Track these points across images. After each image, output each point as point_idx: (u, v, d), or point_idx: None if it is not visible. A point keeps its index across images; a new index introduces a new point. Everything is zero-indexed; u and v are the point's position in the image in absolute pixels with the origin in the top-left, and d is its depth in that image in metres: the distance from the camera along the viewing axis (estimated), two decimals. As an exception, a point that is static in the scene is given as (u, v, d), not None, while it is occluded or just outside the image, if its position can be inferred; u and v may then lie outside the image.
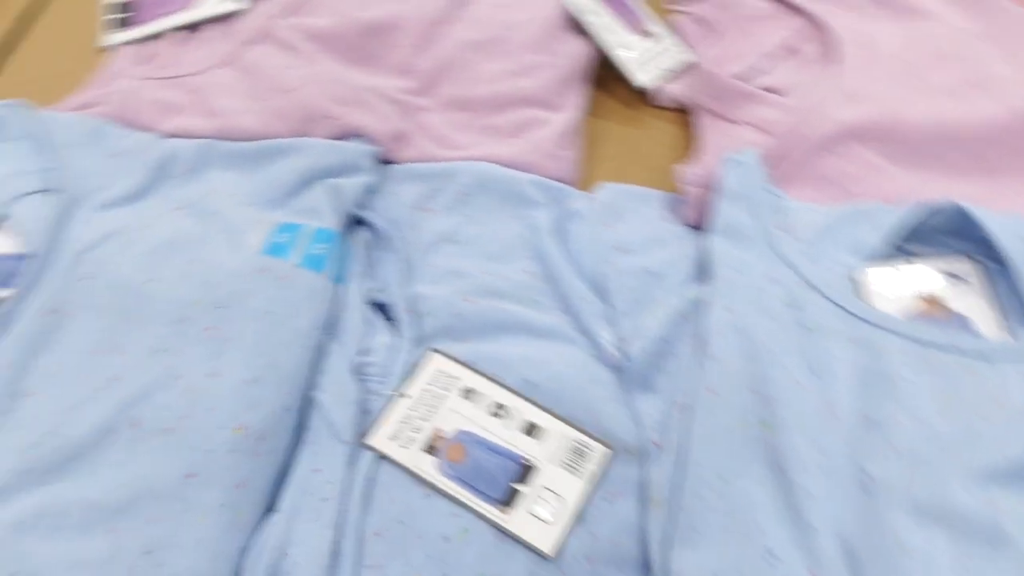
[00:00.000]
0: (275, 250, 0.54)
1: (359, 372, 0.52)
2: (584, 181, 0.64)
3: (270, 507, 0.48)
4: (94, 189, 0.59)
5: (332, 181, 0.58)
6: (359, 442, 0.49)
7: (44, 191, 0.58)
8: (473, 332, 0.54)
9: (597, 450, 0.49)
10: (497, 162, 0.61)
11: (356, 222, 0.59)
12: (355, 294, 0.55)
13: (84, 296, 0.52)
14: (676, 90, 0.68)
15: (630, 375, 0.51)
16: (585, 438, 0.49)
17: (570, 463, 0.48)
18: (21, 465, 0.46)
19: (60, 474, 0.46)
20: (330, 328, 0.54)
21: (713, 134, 0.63)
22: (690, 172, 0.59)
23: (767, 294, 0.51)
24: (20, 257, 0.55)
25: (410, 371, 0.52)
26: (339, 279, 0.55)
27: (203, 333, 0.51)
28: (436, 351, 0.53)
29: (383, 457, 0.48)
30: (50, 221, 0.55)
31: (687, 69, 0.69)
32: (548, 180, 0.60)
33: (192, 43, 0.68)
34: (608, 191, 0.60)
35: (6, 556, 0.44)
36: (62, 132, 0.61)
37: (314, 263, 0.54)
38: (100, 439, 0.47)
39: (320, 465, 0.48)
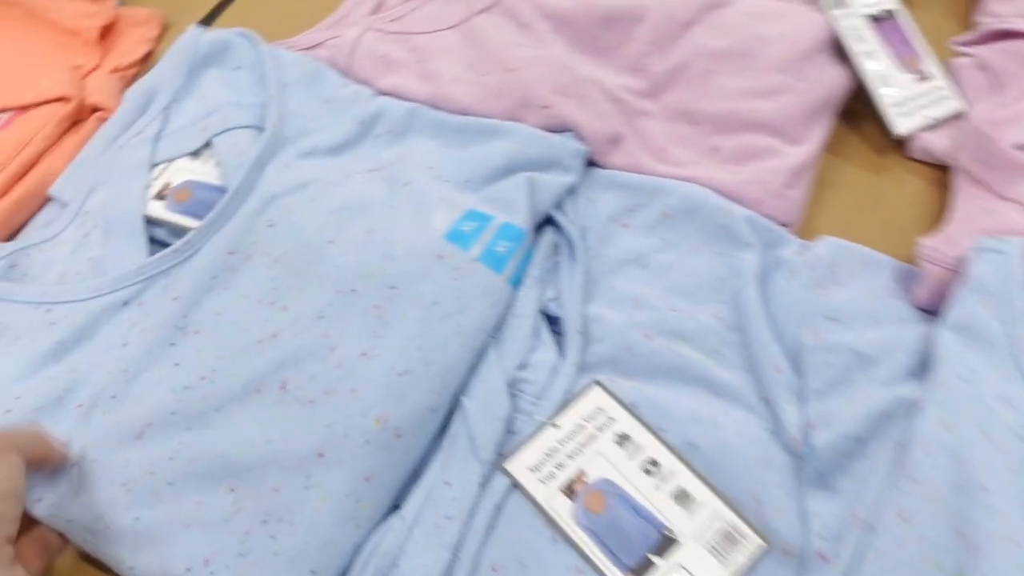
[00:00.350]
0: (458, 237, 0.51)
1: (513, 387, 0.48)
2: (804, 227, 0.57)
3: (394, 506, 0.45)
4: (300, 134, 0.58)
5: (533, 175, 0.54)
6: (497, 464, 0.45)
7: (253, 127, 0.58)
8: (642, 371, 0.49)
9: (751, 541, 0.43)
10: (713, 188, 0.55)
11: (544, 222, 0.55)
12: (529, 300, 0.51)
13: (264, 243, 0.52)
14: (936, 142, 0.59)
15: (809, 467, 0.45)
16: (741, 524, 0.44)
17: (717, 547, 0.43)
18: (172, 406, 0.46)
19: (203, 422, 0.46)
20: (494, 332, 0.50)
21: (971, 206, 0.54)
22: (933, 245, 0.51)
23: (998, 418, 0.43)
24: (220, 189, 0.55)
25: (567, 399, 0.48)
26: (516, 282, 0.52)
27: (369, 309, 0.49)
28: (599, 384, 0.48)
29: (517, 487, 0.45)
30: (251, 160, 0.54)
31: (956, 121, 0.60)
32: (765, 219, 0.54)
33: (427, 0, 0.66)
34: (829, 246, 0.53)
35: (132, 500, 0.44)
36: (285, 70, 0.60)
37: (494, 261, 0.51)
38: (248, 395, 0.47)
39: (452, 478, 0.45)
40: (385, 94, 0.60)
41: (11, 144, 0.56)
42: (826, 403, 0.47)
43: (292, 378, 0.47)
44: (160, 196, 0.55)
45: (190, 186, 0.55)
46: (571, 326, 0.51)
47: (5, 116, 0.59)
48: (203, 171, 0.56)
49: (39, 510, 0.44)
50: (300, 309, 0.49)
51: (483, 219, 0.52)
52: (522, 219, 0.53)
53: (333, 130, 0.58)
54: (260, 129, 0.58)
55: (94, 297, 0.50)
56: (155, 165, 0.57)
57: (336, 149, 0.57)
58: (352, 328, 0.48)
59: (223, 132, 0.57)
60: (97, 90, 0.60)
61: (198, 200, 0.55)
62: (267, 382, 0.47)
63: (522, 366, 0.49)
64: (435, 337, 0.48)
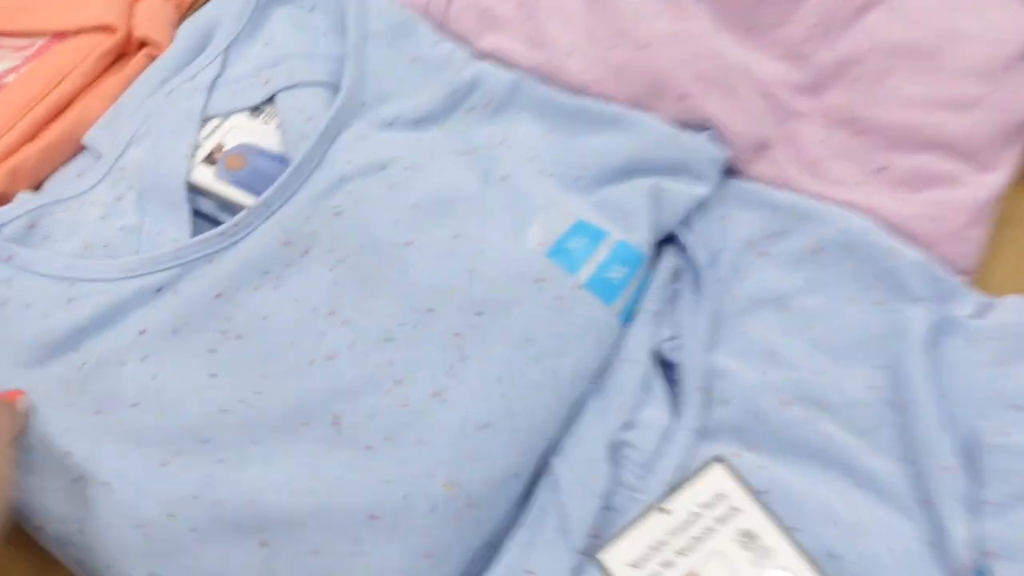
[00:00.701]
0: (562, 256, 0.42)
1: (616, 450, 0.39)
2: (981, 276, 0.46)
3: (458, 589, 0.37)
4: (380, 98, 0.48)
5: (659, 182, 0.44)
6: (591, 553, 0.37)
7: (326, 85, 0.48)
8: (774, 447, 0.40)
9: None
10: (876, 218, 0.44)
11: (663, 240, 0.45)
12: (641, 341, 0.42)
13: (327, 236, 0.43)
14: None
15: (981, 607, 0.35)
16: (886, 667, 0.34)
17: None
18: (204, 431, 0.39)
19: (238, 455, 0.38)
20: (596, 378, 0.41)
21: None
22: None
23: None
24: (280, 160, 0.46)
25: (680, 476, 0.39)
26: (627, 316, 0.42)
27: (447, 337, 0.40)
28: (722, 462, 0.39)
29: (612, 586, 0.36)
30: (320, 129, 0.45)
31: None
32: (938, 266, 0.43)
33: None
34: (1020, 310, 0.42)
35: (148, 548, 0.36)
36: (368, 18, 0.50)
37: (605, 289, 0.41)
38: (292, 427, 0.39)
39: (536, 565, 0.37)
40: (485, 57, 0.50)
41: (43, 77, 0.47)
42: (1008, 521, 0.37)
43: (347, 413, 0.38)
44: (210, 160, 0.46)
45: (245, 152, 0.46)
46: (691, 380, 0.41)
47: (38, 43, 0.49)
48: (263, 133, 0.47)
49: (43, 538, 0.37)
50: (364, 326, 0.40)
51: (595, 234, 0.42)
52: (642, 238, 0.43)
53: (419, 97, 0.48)
54: (334, 88, 0.48)
55: (124, 278, 0.42)
56: (207, 120, 0.47)
57: (421, 121, 0.48)
58: (425, 359, 0.39)
59: (290, 88, 0.48)
60: (147, 20, 0.50)
61: (253, 170, 0.45)
62: (317, 414, 0.38)
63: (628, 425, 0.40)
64: (525, 382, 0.39)
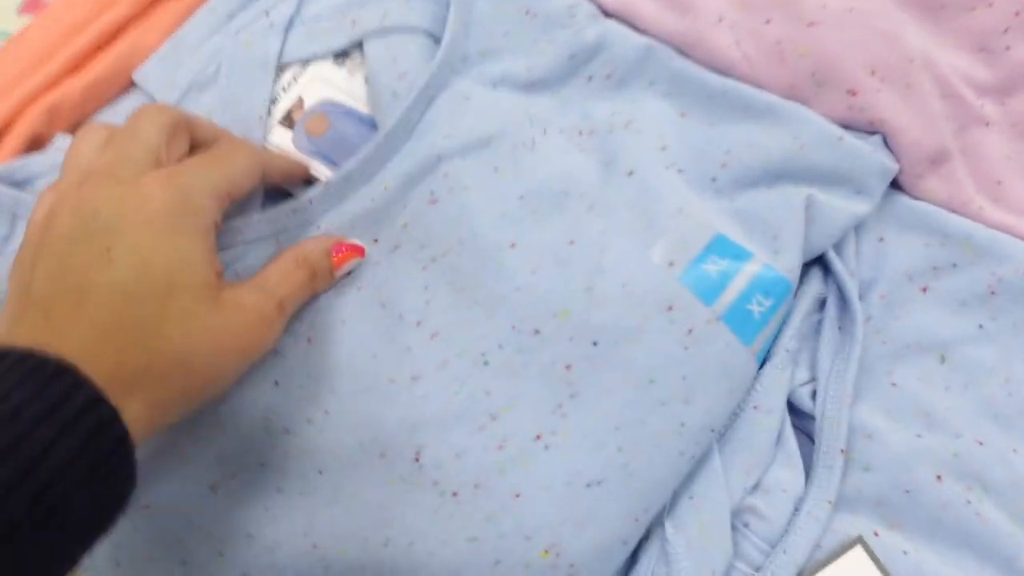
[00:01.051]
0: (697, 279, 0.35)
1: (738, 517, 0.34)
2: None
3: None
4: (485, 53, 0.41)
5: (815, 193, 0.37)
6: (703, 643, 0.31)
7: (424, 32, 0.40)
8: (921, 528, 0.34)
9: None
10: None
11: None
12: (777, 387, 0.36)
13: (420, 228, 0.36)
14: None
15: None
16: None
17: None
18: (263, 453, 0.34)
19: (301, 484, 0.33)
20: (724, 428, 0.35)
21: None
22: None
23: None
24: (368, 123, 0.39)
25: (812, 554, 0.33)
26: (762, 358, 0.36)
27: (555, 369, 0.33)
28: (863, 545, 0.33)
29: None
30: (417, 90, 0.38)
31: None
32: None
33: None
34: None
35: None
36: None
37: (744, 325, 0.34)
38: (366, 458, 0.33)
39: (638, 655, 0.31)
40: (612, 16, 0.42)
41: (88, 2, 0.40)
42: None
43: (431, 448, 0.32)
44: (288, 121, 0.39)
45: (329, 112, 0.39)
46: (831, 438, 0.35)
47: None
48: (349, 88, 0.40)
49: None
50: (457, 344, 0.34)
51: (736, 255, 0.35)
52: (790, 263, 0.36)
53: (532, 56, 0.40)
54: (433, 37, 0.40)
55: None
56: (283, 68, 0.40)
57: (533, 86, 0.40)
58: (527, 392, 0.33)
59: (381, 34, 0.40)
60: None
61: (337, 135, 0.39)
62: (395, 445, 0.33)
63: (754, 488, 0.34)
64: (645, 433, 0.32)
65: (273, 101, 0.39)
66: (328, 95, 0.39)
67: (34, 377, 0.22)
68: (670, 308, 0.34)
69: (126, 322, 0.25)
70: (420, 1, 0.41)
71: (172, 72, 0.40)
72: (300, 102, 0.39)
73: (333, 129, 0.38)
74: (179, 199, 0.27)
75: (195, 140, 0.33)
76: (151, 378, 0.26)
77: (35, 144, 0.39)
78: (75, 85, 0.39)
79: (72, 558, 0.23)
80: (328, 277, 0.34)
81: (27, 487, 0.21)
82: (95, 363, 0.24)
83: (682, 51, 0.40)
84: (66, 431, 0.22)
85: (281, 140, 0.38)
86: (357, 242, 0.35)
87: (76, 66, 0.40)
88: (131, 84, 0.41)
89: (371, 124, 0.39)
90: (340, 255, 0.34)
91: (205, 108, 0.39)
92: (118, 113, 0.41)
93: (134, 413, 0.25)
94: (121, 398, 0.24)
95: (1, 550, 0.21)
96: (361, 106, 0.39)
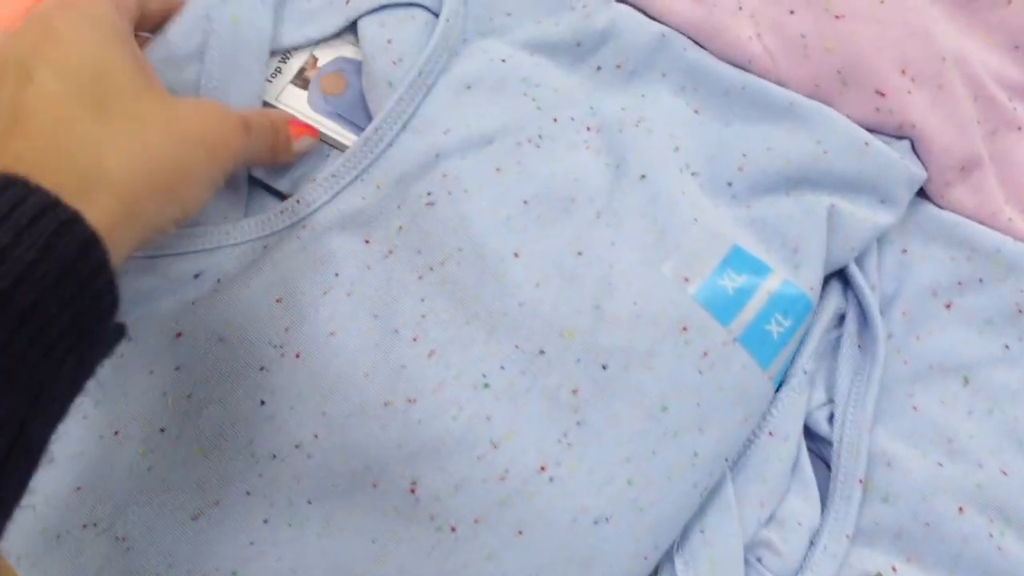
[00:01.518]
0: (714, 297, 0.32)
1: (752, 551, 0.32)
2: None
3: None
4: (487, 30, 0.37)
5: (838, 202, 0.35)
6: None
7: (422, 7, 0.37)
8: (942, 562, 0.33)
9: None
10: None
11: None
12: (793, 413, 0.34)
13: (416, 232, 0.33)
14: None
15: None
16: None
17: None
18: (249, 480, 0.31)
19: (289, 513, 0.31)
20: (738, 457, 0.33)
21: None
22: None
23: None
24: (389, 83, 0.36)
25: (827, 591, 0.32)
26: (779, 379, 0.34)
27: (561, 393, 0.31)
28: (882, 582, 0.32)
29: None
30: (410, 78, 0.35)
31: None
32: None
33: None
34: None
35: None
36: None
37: (762, 347, 0.32)
38: (359, 487, 0.31)
39: None
40: (623, 1, 0.39)
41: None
42: None
43: (427, 478, 0.30)
44: (301, 79, 0.36)
45: (344, 70, 0.36)
46: (849, 466, 0.33)
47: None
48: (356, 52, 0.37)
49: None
50: (456, 363, 0.32)
51: (754, 269, 0.33)
52: (811, 278, 0.34)
53: (536, 36, 0.37)
54: (430, 13, 0.37)
55: (153, 256, 0.33)
56: (273, 55, 0.37)
57: (539, 65, 0.37)
58: (531, 418, 0.31)
59: (374, 11, 0.37)
60: None
61: (355, 94, 0.36)
62: (389, 475, 0.31)
63: (768, 520, 0.32)
64: (657, 464, 0.30)
65: (277, 72, 0.36)
66: (343, 52, 0.36)
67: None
68: (684, 329, 0.32)
69: (64, 131, 0.23)
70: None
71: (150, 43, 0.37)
72: (313, 60, 0.36)
73: (351, 88, 0.36)
74: (76, 14, 0.26)
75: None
76: (109, 177, 0.24)
77: None
78: None
79: (55, 393, 0.21)
80: (286, 143, 0.32)
81: None
82: (43, 174, 0.22)
83: (698, 42, 0.37)
84: (22, 237, 0.20)
85: (294, 100, 0.35)
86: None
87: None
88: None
89: (391, 84, 0.36)
90: (295, 128, 0.33)
91: (187, 85, 0.35)
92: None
93: (100, 211, 0.22)
94: (79, 201, 0.22)
95: None
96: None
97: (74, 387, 0.22)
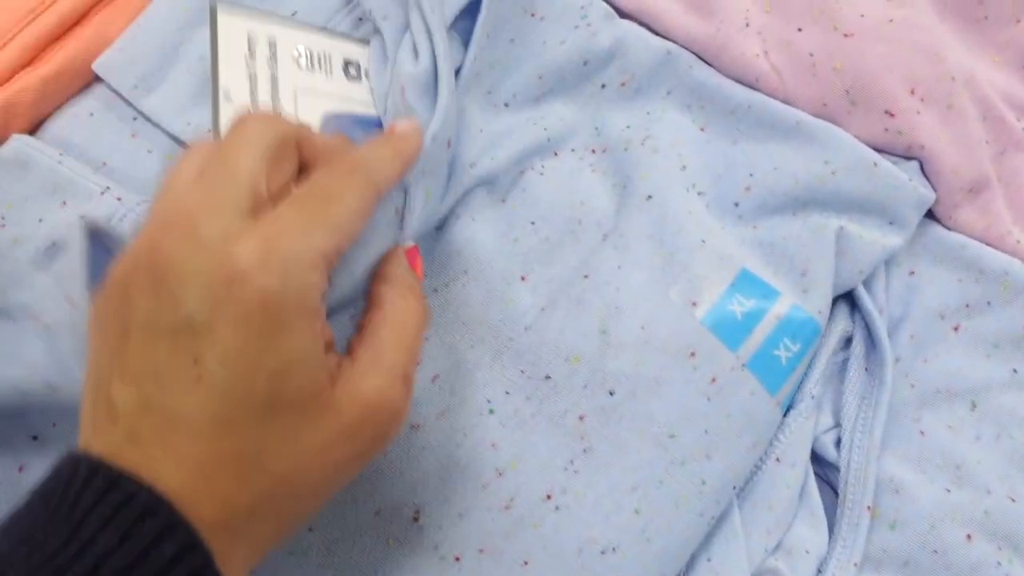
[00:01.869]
0: (722, 322, 0.32)
1: (759, 580, 0.31)
2: None
3: None
4: (492, 62, 0.37)
5: (846, 225, 0.34)
6: None
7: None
8: (951, 588, 0.32)
9: None
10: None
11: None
12: (800, 439, 0.33)
13: (423, 255, 0.32)
14: None
15: None
16: None
17: None
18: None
19: (292, 543, 0.30)
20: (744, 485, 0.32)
21: None
22: None
23: None
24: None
25: (835, 621, 0.31)
26: (787, 405, 0.33)
27: (568, 420, 0.31)
28: (890, 611, 0.31)
29: None
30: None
31: None
32: None
33: None
34: None
35: None
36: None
37: (770, 372, 0.32)
38: (360, 515, 0.30)
39: None
40: (628, 17, 0.38)
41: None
42: None
43: (431, 507, 0.30)
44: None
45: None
46: (857, 493, 0.33)
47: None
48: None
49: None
50: (460, 389, 0.31)
51: (763, 293, 0.33)
52: (820, 303, 0.33)
53: (542, 60, 0.37)
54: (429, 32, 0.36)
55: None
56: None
57: (543, 97, 0.37)
58: (536, 445, 0.30)
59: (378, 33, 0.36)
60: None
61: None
62: (392, 503, 0.30)
63: (775, 548, 0.32)
64: (665, 493, 0.30)
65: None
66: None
67: (123, 513, 0.19)
68: (692, 354, 0.31)
69: (223, 454, 0.21)
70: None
71: (137, 63, 0.36)
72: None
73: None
74: (279, 283, 0.21)
75: (304, 158, 0.25)
76: (255, 518, 0.21)
77: (-12, 145, 0.35)
78: (32, 79, 0.35)
79: None
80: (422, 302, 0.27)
81: None
82: (192, 506, 0.20)
83: (704, 59, 0.37)
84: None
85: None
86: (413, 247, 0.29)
87: (32, 58, 0.36)
88: (95, 78, 0.37)
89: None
90: (414, 262, 0.29)
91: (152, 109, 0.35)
92: (79, 112, 0.36)
93: (237, 562, 0.21)
94: (224, 545, 0.20)
95: None
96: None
97: None
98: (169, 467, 0.20)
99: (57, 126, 0.36)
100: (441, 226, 0.33)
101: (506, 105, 0.35)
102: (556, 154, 0.35)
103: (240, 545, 0.21)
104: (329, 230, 0.22)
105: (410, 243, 0.28)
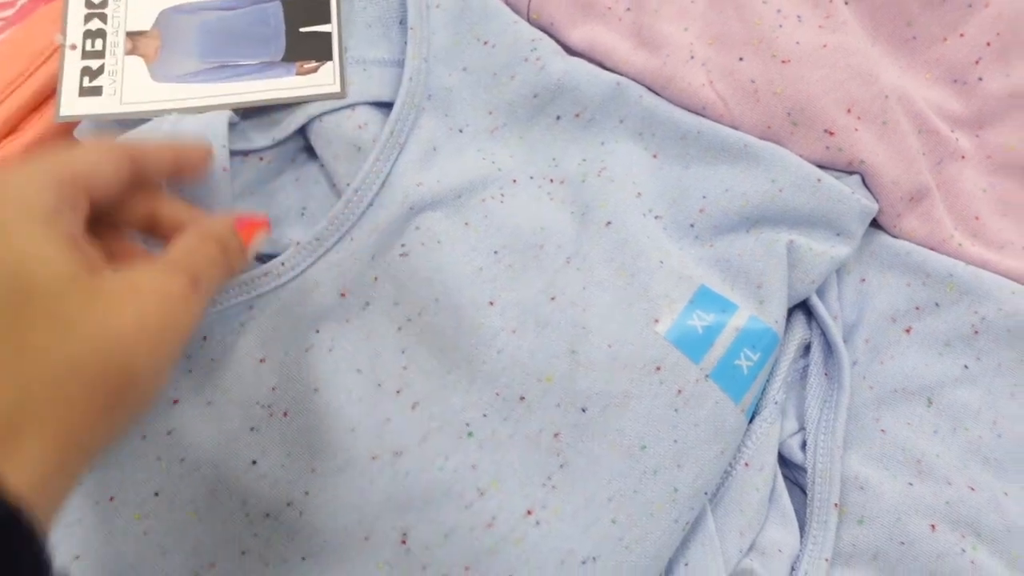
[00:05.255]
0: (685, 337, 0.34)
1: (735, 582, 0.33)
2: None
3: None
4: (447, 90, 0.39)
5: (796, 238, 0.36)
6: None
7: (381, 63, 0.39)
8: (917, 579, 0.33)
9: None
10: (1047, 292, 0.37)
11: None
12: (767, 444, 0.35)
13: (393, 284, 0.35)
14: None
15: None
16: None
17: None
18: (244, 540, 0.32)
19: (285, 569, 0.31)
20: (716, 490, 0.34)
21: None
22: None
23: None
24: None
25: (811, 616, 0.32)
26: (751, 412, 0.35)
27: (543, 438, 0.32)
28: (862, 603, 0.33)
29: None
30: (382, 140, 0.36)
31: None
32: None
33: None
34: None
35: None
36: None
37: (733, 382, 0.33)
38: (351, 542, 0.32)
39: None
40: (575, 54, 0.40)
41: (26, 50, 0.37)
42: None
43: (417, 529, 0.31)
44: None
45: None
46: (823, 491, 0.34)
47: (20, 1, 0.39)
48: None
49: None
50: (439, 414, 0.33)
51: (721, 307, 0.35)
52: (776, 312, 0.35)
53: (493, 94, 0.39)
54: (390, 65, 0.38)
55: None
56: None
57: (497, 131, 0.39)
58: (515, 464, 0.32)
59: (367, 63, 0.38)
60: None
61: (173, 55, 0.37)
62: (379, 527, 0.31)
63: (749, 549, 0.33)
64: (639, 503, 0.31)
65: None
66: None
67: None
68: (658, 368, 0.33)
69: None
70: (376, 31, 0.39)
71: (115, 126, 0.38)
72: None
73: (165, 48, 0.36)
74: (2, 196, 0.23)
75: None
76: (37, 407, 0.20)
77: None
78: (14, 147, 0.37)
79: None
80: (240, 254, 0.29)
81: None
82: None
83: (653, 90, 0.39)
84: None
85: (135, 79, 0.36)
86: (256, 212, 0.32)
87: (15, 127, 0.37)
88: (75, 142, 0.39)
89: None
90: (244, 229, 0.30)
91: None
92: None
93: (29, 460, 0.19)
94: (3, 447, 0.19)
95: None
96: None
97: None
98: None
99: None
100: (407, 253, 0.34)
101: (460, 131, 0.37)
102: (515, 181, 0.37)
103: (25, 444, 0.20)
104: (59, 162, 0.25)
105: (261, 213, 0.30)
